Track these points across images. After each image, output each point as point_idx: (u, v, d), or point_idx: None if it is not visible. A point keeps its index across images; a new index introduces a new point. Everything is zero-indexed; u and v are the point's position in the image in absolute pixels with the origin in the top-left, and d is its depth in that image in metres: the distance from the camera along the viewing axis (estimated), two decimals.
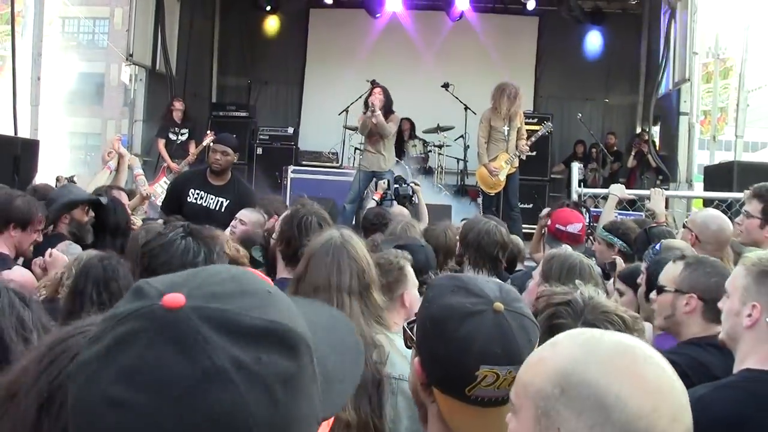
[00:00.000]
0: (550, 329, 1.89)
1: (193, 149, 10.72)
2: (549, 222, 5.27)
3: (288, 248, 3.59)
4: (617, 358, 1.14)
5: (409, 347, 1.81)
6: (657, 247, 3.69)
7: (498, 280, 1.84)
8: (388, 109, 8.91)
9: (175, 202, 6.50)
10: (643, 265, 3.59)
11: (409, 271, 3.02)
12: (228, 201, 6.42)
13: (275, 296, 0.91)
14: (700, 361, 2.68)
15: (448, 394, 1.63)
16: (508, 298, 1.67)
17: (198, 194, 6.45)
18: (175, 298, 0.83)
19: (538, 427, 1.17)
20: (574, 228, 5.06)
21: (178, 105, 11.44)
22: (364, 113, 9.00)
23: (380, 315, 2.67)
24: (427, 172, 11.84)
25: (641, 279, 3.50)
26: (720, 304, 2.42)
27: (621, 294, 3.76)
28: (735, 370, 2.32)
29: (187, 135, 11.28)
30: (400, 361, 2.50)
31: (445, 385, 1.64)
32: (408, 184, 7.44)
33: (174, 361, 0.79)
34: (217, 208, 6.40)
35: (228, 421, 0.78)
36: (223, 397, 0.78)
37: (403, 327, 1.86)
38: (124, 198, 5.11)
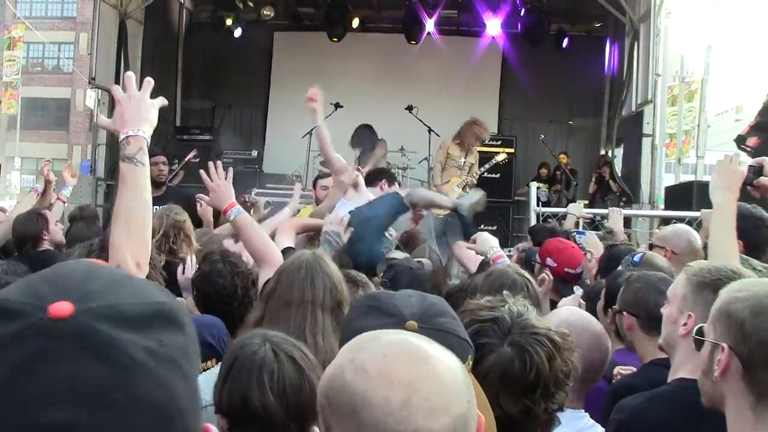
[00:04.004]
0: (474, 348, 1.71)
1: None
2: (553, 264, 4.27)
3: None
4: (372, 356, 1.07)
5: None
6: (636, 259, 3.65)
7: (426, 294, 1.70)
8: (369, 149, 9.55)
9: None
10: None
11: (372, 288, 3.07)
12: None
13: (134, 278, 0.90)
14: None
15: None
16: (428, 313, 1.52)
17: None
18: (61, 307, 0.79)
19: None
20: (581, 268, 4.38)
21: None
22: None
23: None
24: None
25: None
26: (662, 310, 2.43)
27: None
28: (669, 378, 2.34)
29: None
30: None
31: None
32: None
33: (95, 370, 0.76)
34: None
35: (164, 405, 0.79)
36: (151, 387, 0.78)
37: None
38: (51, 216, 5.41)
